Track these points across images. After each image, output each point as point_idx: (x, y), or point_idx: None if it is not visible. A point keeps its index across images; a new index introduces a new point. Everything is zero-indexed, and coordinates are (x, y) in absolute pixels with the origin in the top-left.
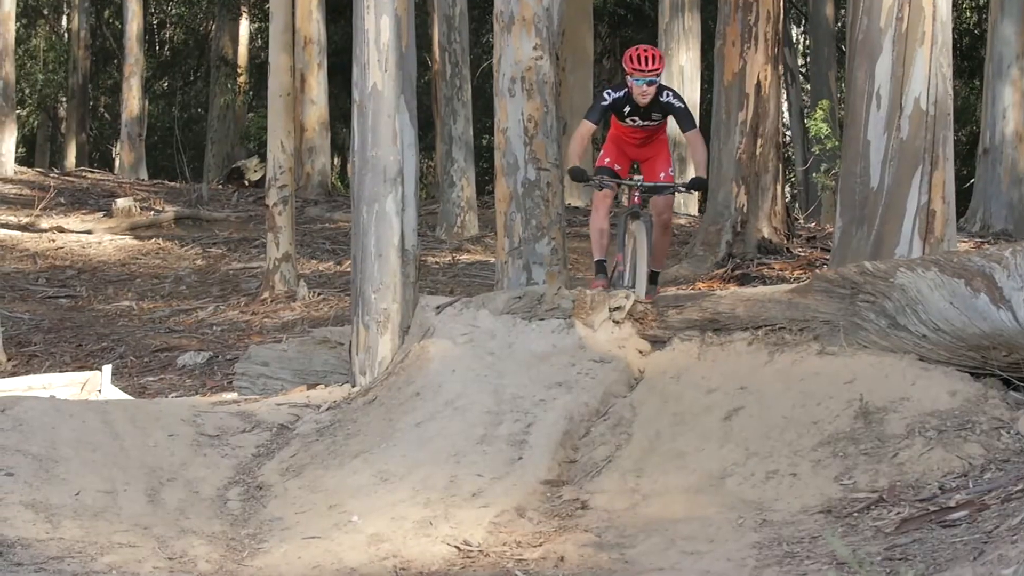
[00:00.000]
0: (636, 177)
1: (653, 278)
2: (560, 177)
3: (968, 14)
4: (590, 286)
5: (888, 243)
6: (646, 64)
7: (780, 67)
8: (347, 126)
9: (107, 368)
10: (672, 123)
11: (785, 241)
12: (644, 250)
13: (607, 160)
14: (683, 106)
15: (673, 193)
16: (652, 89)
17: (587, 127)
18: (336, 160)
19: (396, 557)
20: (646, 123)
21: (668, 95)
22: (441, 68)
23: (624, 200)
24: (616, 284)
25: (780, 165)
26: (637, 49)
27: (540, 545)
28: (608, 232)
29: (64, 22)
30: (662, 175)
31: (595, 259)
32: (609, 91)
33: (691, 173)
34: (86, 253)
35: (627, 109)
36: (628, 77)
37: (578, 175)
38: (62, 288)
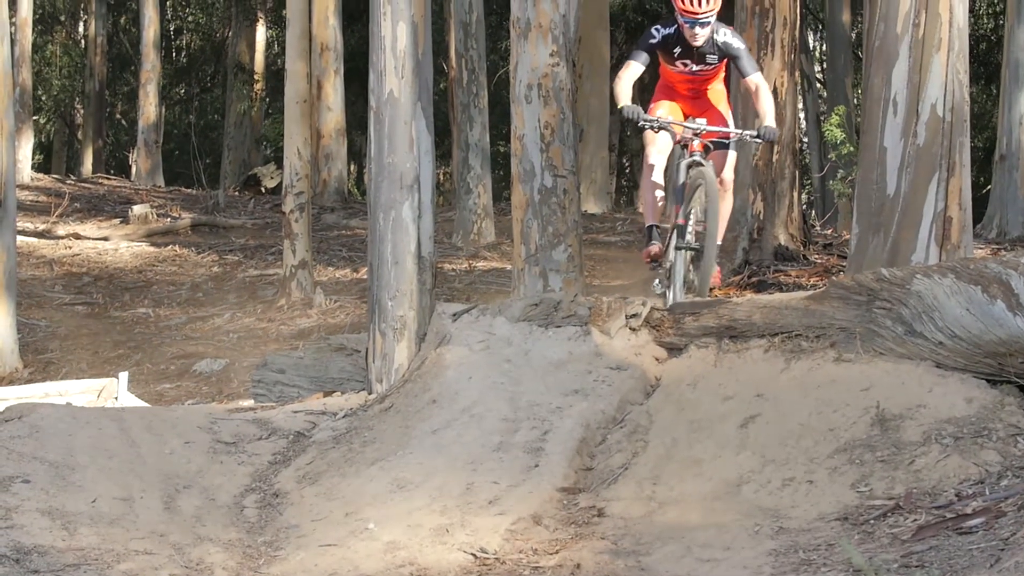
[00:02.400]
0: (698, 120)
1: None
2: (576, 184)
3: (985, 20)
4: (642, 255)
5: (904, 250)
6: (698, 4)
7: (797, 73)
8: (364, 133)
9: (123, 375)
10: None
11: (802, 248)
12: (713, 202)
13: (659, 113)
14: (743, 46)
15: (734, 148)
16: (707, 31)
17: (633, 68)
18: (353, 167)
19: (412, 565)
20: (700, 67)
21: (725, 33)
22: (458, 75)
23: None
24: (677, 245)
25: (796, 172)
26: None
27: (556, 552)
28: (660, 193)
29: (81, 28)
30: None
31: (646, 224)
32: (658, 27)
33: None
34: (103, 260)
35: (677, 50)
36: (679, 17)
37: (632, 114)
38: (79, 295)
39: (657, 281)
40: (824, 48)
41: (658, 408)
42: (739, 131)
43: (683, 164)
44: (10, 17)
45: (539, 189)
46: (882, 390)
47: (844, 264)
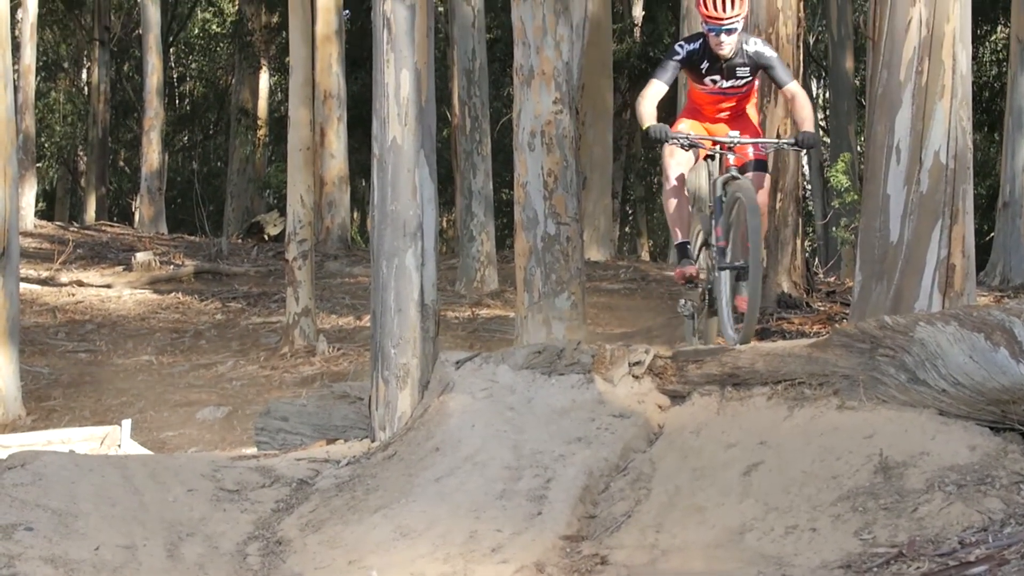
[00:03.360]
0: (731, 132)
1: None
2: (579, 232)
3: (988, 67)
4: (674, 276)
5: (908, 297)
6: (723, 8)
7: None
8: (366, 180)
9: (126, 423)
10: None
11: (805, 295)
12: (756, 219)
13: (682, 126)
14: (775, 54)
15: (777, 147)
16: (733, 39)
17: (656, 87)
18: (356, 214)
19: None
20: (731, 83)
21: (755, 42)
22: (461, 122)
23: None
24: (720, 266)
25: (800, 219)
26: None
27: None
28: (686, 206)
29: (84, 76)
30: (750, 151)
31: (676, 242)
32: (682, 43)
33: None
34: (105, 307)
35: (705, 65)
36: (703, 25)
37: (659, 133)
38: (81, 342)
39: (683, 301)
40: (827, 95)
41: (661, 456)
42: (775, 140)
43: (719, 181)
44: (13, 64)
45: (542, 236)
46: (885, 438)
47: (847, 312)
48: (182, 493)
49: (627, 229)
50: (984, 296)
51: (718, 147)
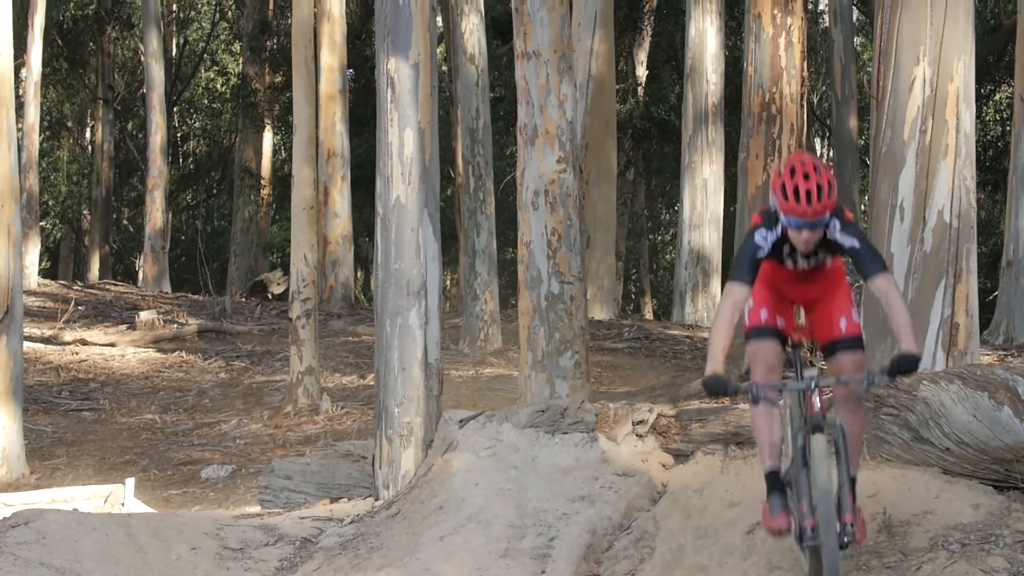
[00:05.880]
0: (807, 375)
1: (851, 485)
2: (583, 290)
3: (992, 126)
4: (764, 524)
5: None
6: (807, 202)
7: None
8: (370, 239)
9: (130, 481)
10: None
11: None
12: (845, 490)
13: (763, 313)
14: (860, 244)
15: (869, 385)
16: (816, 236)
17: (739, 295)
18: (359, 273)
19: None
20: (812, 264)
21: (835, 227)
22: (464, 181)
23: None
24: (810, 571)
25: None
26: (793, 172)
27: None
28: (778, 425)
29: (88, 134)
30: (843, 322)
31: (764, 469)
32: (761, 230)
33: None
34: (109, 366)
35: (786, 248)
36: (781, 215)
37: (716, 388)
38: (85, 401)
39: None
40: (831, 154)
41: (665, 514)
42: (865, 376)
43: (805, 434)
44: (17, 123)
45: (546, 295)
46: (889, 496)
47: None
48: (185, 551)
49: (631, 288)
50: (988, 355)
51: (799, 393)
